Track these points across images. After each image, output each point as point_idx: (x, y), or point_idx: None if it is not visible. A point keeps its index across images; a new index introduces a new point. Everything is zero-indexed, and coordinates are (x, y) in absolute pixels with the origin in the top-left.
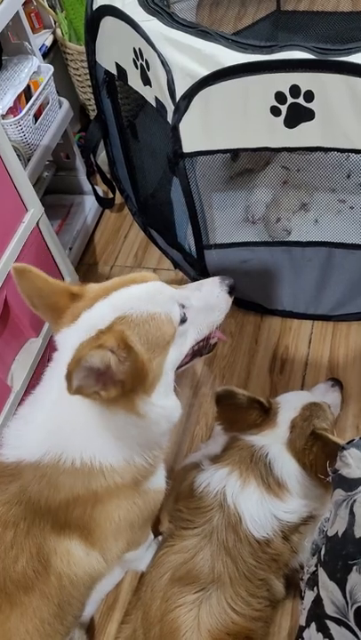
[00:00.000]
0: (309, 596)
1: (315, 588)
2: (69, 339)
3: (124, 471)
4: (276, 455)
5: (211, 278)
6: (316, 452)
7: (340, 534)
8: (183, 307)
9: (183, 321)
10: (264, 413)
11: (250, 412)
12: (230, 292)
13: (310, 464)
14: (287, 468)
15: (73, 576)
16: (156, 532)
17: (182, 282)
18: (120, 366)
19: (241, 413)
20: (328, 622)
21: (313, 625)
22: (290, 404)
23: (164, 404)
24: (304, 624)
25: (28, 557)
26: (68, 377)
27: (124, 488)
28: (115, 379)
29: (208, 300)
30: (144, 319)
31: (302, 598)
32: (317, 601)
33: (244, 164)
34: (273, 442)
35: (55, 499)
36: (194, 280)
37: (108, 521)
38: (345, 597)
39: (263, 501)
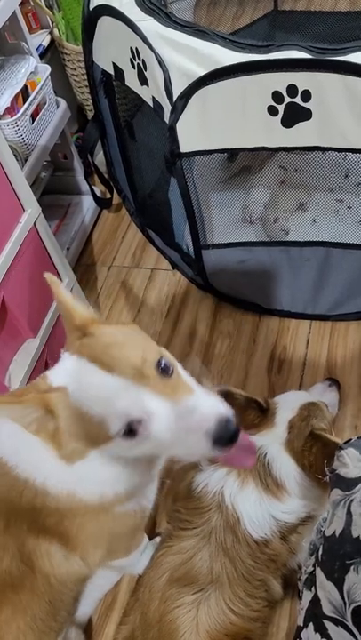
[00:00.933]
0: (307, 596)
1: (312, 588)
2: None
3: (89, 500)
4: (274, 455)
5: (214, 407)
6: (315, 452)
7: (337, 534)
8: (140, 421)
9: (131, 433)
10: (262, 413)
11: (247, 412)
12: (217, 444)
13: (309, 464)
14: (285, 468)
15: (58, 576)
16: (153, 534)
17: (180, 283)
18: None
19: (238, 414)
20: (326, 622)
21: (311, 625)
22: (288, 404)
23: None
24: (302, 624)
25: (11, 556)
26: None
27: (92, 512)
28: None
29: (184, 429)
30: (74, 404)
31: (300, 598)
32: (315, 601)
33: (241, 162)
34: (271, 442)
35: (28, 504)
36: (192, 280)
37: (83, 532)
38: (342, 597)
39: (261, 502)
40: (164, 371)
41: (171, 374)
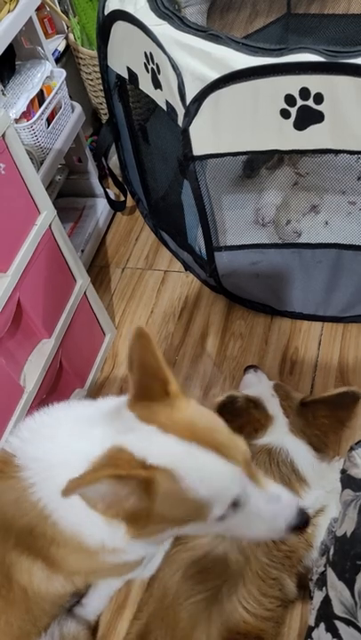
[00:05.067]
0: (318, 596)
1: (323, 589)
2: (123, 437)
3: (83, 539)
4: (289, 447)
5: (283, 493)
6: (316, 418)
7: (348, 534)
8: (238, 503)
9: (222, 518)
10: (260, 410)
11: (250, 412)
12: (292, 529)
13: (316, 436)
14: (302, 455)
15: (37, 591)
16: None
17: (192, 284)
18: (130, 501)
19: (242, 418)
20: (337, 622)
21: (322, 625)
22: (265, 395)
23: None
24: (313, 624)
25: None
26: (79, 484)
27: (80, 549)
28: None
29: (270, 513)
30: (178, 488)
31: (311, 598)
32: (326, 601)
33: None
34: (282, 434)
35: (18, 520)
36: (204, 282)
37: (67, 561)
38: (354, 597)
39: None
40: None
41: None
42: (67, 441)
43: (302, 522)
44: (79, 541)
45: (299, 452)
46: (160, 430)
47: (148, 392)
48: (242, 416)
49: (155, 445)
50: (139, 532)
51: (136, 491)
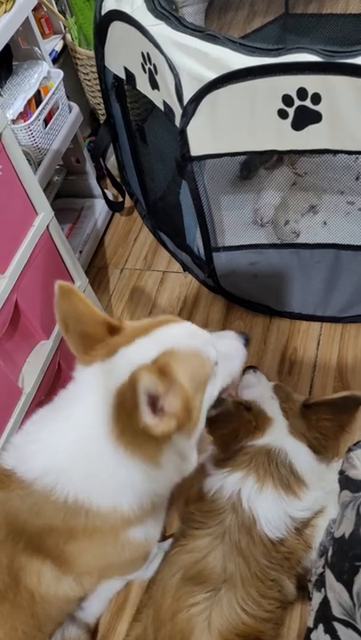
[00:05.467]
0: (317, 597)
1: (322, 590)
2: (101, 377)
3: (107, 516)
4: (288, 448)
5: (226, 331)
6: (317, 420)
7: (346, 535)
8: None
9: (215, 363)
10: (253, 412)
11: (241, 416)
12: (245, 345)
13: (317, 439)
14: (301, 457)
15: (44, 595)
16: (164, 537)
17: (191, 285)
18: (168, 398)
19: (233, 422)
20: (335, 624)
21: (320, 627)
22: (264, 397)
23: (190, 455)
24: (312, 626)
25: None
26: (137, 408)
27: (102, 533)
28: (164, 411)
29: (230, 349)
30: (188, 354)
31: (310, 600)
32: (325, 602)
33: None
34: (281, 436)
35: (32, 523)
36: (203, 283)
37: (80, 558)
38: (352, 599)
39: (280, 502)
40: None
41: None
42: (60, 432)
43: (245, 338)
44: (115, 517)
45: (298, 453)
46: (133, 344)
47: (95, 338)
48: (232, 421)
49: (134, 355)
50: (189, 426)
51: (161, 380)
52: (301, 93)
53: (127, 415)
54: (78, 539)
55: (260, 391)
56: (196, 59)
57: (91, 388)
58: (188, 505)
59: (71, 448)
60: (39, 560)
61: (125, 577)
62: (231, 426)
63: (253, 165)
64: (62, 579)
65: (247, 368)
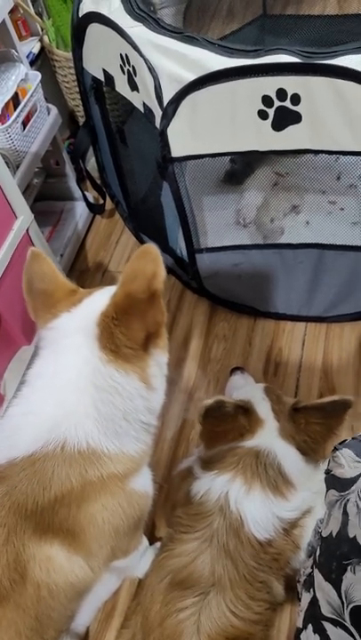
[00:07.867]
0: (306, 597)
1: (311, 590)
2: (73, 321)
3: (117, 460)
4: (277, 450)
5: None
6: (307, 424)
7: (334, 534)
8: None
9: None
10: (248, 416)
11: (237, 419)
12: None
13: (305, 442)
14: (290, 458)
15: (52, 585)
16: (153, 539)
17: (174, 287)
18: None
19: (228, 423)
20: (325, 623)
21: (310, 626)
22: (257, 397)
23: (165, 367)
24: (301, 626)
25: (3, 566)
26: (124, 322)
27: (113, 482)
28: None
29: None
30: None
31: (299, 600)
32: (314, 602)
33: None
34: (270, 438)
35: (44, 496)
36: (186, 285)
37: (92, 524)
38: (340, 598)
39: (268, 504)
40: None
41: None
42: (55, 383)
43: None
44: (123, 461)
45: (287, 455)
46: (89, 299)
47: (55, 297)
48: (228, 422)
49: (98, 303)
50: (163, 332)
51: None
52: (281, 94)
53: (114, 336)
54: (90, 499)
55: (251, 392)
56: (175, 60)
57: (68, 332)
58: (175, 509)
59: (71, 399)
60: (48, 542)
61: (127, 561)
62: (224, 426)
63: (241, 177)
64: (72, 559)
65: (234, 369)
